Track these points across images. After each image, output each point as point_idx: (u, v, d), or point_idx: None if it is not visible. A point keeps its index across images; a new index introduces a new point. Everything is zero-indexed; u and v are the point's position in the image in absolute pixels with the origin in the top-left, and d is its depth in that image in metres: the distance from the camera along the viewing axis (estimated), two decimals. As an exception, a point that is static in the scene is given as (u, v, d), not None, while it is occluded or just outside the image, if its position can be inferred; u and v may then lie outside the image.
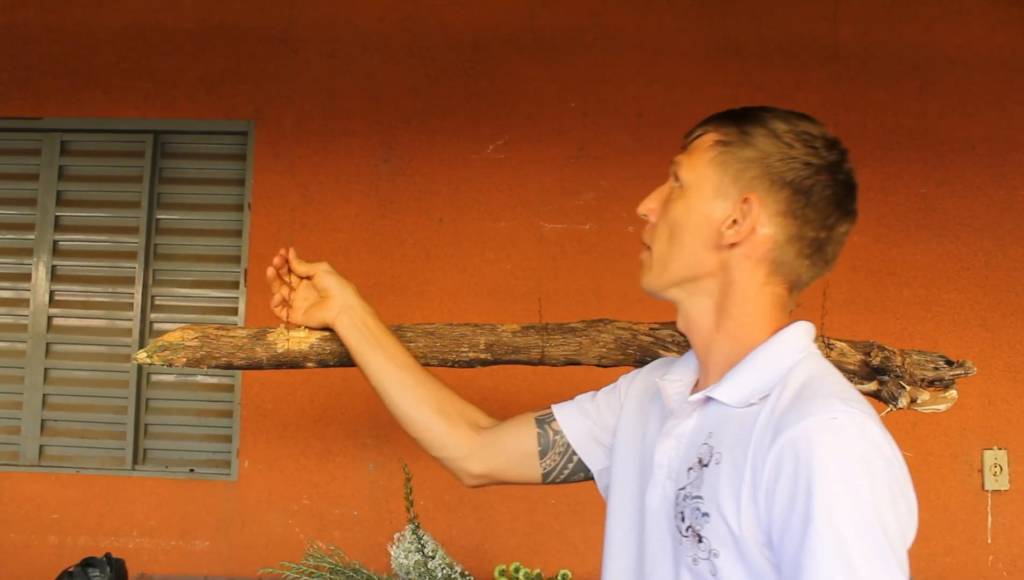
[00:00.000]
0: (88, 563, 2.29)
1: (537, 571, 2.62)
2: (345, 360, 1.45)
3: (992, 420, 2.93)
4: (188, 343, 1.43)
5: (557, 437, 1.35)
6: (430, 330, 1.48)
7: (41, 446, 3.05)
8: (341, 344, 1.44)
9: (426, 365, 1.47)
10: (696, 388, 1.19)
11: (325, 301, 1.43)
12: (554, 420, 1.36)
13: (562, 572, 2.62)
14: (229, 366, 1.43)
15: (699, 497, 1.04)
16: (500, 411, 2.93)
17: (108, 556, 2.31)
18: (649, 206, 1.22)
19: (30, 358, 3.07)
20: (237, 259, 3.07)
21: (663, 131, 2.99)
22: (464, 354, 1.47)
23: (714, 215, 1.11)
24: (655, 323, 1.47)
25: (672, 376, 1.22)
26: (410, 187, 3.03)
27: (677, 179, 1.17)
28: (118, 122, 3.09)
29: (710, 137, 1.14)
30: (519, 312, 2.93)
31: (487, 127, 3.03)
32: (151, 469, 3.03)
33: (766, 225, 1.08)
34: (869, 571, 0.89)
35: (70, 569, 2.28)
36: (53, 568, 2.42)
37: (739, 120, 1.12)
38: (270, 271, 1.43)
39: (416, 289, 2.99)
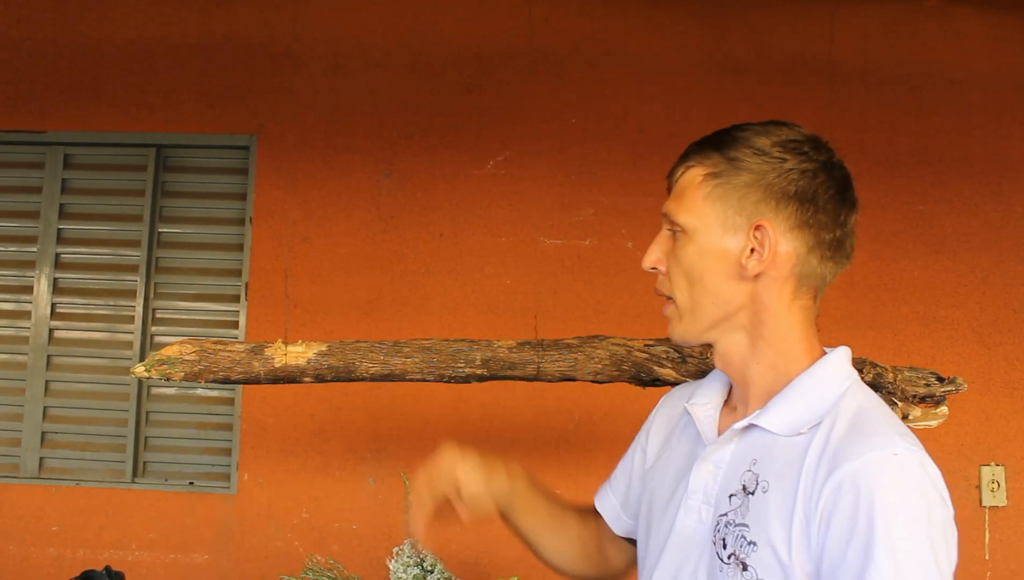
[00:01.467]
0: (87, 576, 2.29)
1: (535, 586, 2.61)
2: (341, 376, 1.46)
3: (989, 436, 2.94)
4: (186, 357, 1.44)
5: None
6: (427, 346, 1.49)
7: (41, 458, 3.06)
8: (338, 359, 1.45)
9: (422, 381, 1.48)
10: (728, 408, 1.18)
11: (486, 496, 1.38)
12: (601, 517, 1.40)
13: (560, 587, 2.61)
14: (227, 380, 1.44)
15: (744, 525, 1.03)
16: (499, 427, 2.94)
17: (108, 569, 2.31)
18: (654, 257, 1.17)
19: (31, 370, 3.08)
20: (238, 273, 3.08)
21: (663, 148, 2.99)
22: (461, 370, 1.48)
23: (730, 249, 1.08)
24: (650, 339, 1.48)
25: (698, 400, 1.21)
26: (411, 202, 3.04)
27: (675, 225, 1.13)
28: (121, 136, 3.11)
29: (696, 173, 1.11)
30: (519, 327, 2.94)
31: (488, 143, 3.05)
32: (151, 482, 3.03)
33: (784, 243, 1.06)
34: None
35: (69, 581, 2.28)
36: (52, 580, 2.43)
37: (721, 147, 1.10)
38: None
39: (416, 304, 3.00)
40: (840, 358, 1.10)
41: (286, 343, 1.45)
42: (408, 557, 2.45)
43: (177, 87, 3.10)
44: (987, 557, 2.91)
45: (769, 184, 1.06)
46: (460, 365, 1.48)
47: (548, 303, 2.98)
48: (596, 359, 1.47)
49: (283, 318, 3.00)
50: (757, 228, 1.06)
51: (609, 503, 1.38)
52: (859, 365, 1.42)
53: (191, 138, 3.11)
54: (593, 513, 1.42)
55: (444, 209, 3.04)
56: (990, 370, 2.96)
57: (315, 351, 1.46)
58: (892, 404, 1.36)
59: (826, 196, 1.07)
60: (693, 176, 1.11)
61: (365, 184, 3.05)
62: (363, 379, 1.46)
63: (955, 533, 0.97)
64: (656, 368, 1.45)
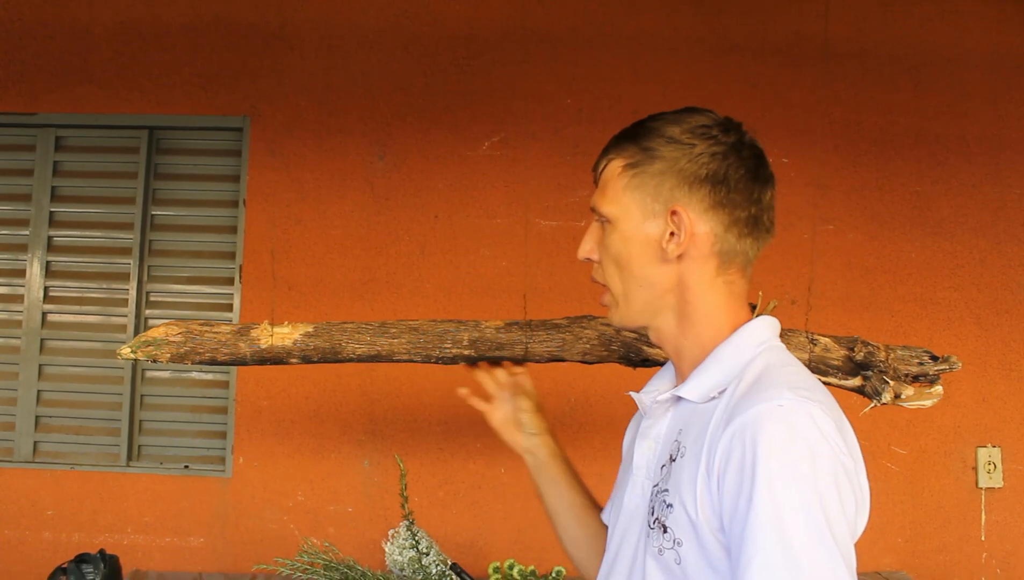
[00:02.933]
0: (82, 559, 2.29)
1: (531, 568, 2.62)
2: (328, 357, 1.45)
3: (986, 418, 2.94)
4: (172, 338, 1.43)
5: None
6: (413, 326, 1.48)
7: (35, 442, 3.05)
8: (325, 340, 1.45)
9: (409, 361, 1.47)
10: None
11: (516, 430, 1.49)
12: None
13: (556, 569, 2.62)
14: (213, 362, 1.43)
15: (666, 490, 1.08)
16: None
17: (102, 552, 2.31)
18: (586, 248, 1.25)
19: (24, 354, 3.07)
20: (232, 255, 3.07)
21: (658, 128, 2.99)
22: (447, 350, 1.47)
23: (651, 235, 1.13)
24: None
25: (648, 387, 1.26)
26: (405, 183, 3.03)
27: (601, 217, 1.20)
28: (113, 118, 3.09)
29: (616, 165, 1.17)
30: (514, 309, 2.93)
31: (482, 124, 3.03)
32: (146, 465, 3.03)
33: (701, 225, 1.10)
34: (808, 557, 0.90)
35: (64, 565, 2.27)
36: (47, 564, 2.42)
37: (636, 138, 1.15)
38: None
39: (411, 285, 3.00)
40: (757, 327, 1.13)
41: (272, 324, 1.44)
42: (403, 540, 2.45)
43: (169, 68, 3.08)
44: (983, 538, 2.91)
45: (681, 169, 1.11)
46: (447, 346, 1.47)
47: (543, 284, 2.97)
48: (584, 339, 1.47)
49: (277, 300, 2.99)
50: (673, 213, 1.11)
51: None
52: (850, 343, 1.42)
53: (184, 120, 3.09)
54: None
55: (438, 190, 3.02)
56: (987, 351, 2.96)
57: (301, 332, 1.45)
58: (883, 383, 1.35)
59: (736, 176, 1.11)
60: (613, 168, 1.17)
61: (359, 165, 3.03)
62: (350, 360, 1.46)
63: (858, 485, 0.99)
64: (645, 348, 1.45)
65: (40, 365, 3.07)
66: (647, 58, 3.04)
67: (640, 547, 1.12)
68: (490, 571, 2.61)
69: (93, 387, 3.07)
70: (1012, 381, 2.95)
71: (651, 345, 1.44)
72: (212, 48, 3.07)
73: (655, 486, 1.11)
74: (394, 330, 1.47)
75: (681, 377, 1.17)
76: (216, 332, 1.44)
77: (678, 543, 1.03)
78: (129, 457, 3.03)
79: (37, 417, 3.06)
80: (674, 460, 1.09)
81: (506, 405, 1.51)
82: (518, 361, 1.51)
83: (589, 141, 3.00)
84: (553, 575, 2.60)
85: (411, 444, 2.96)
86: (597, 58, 3.04)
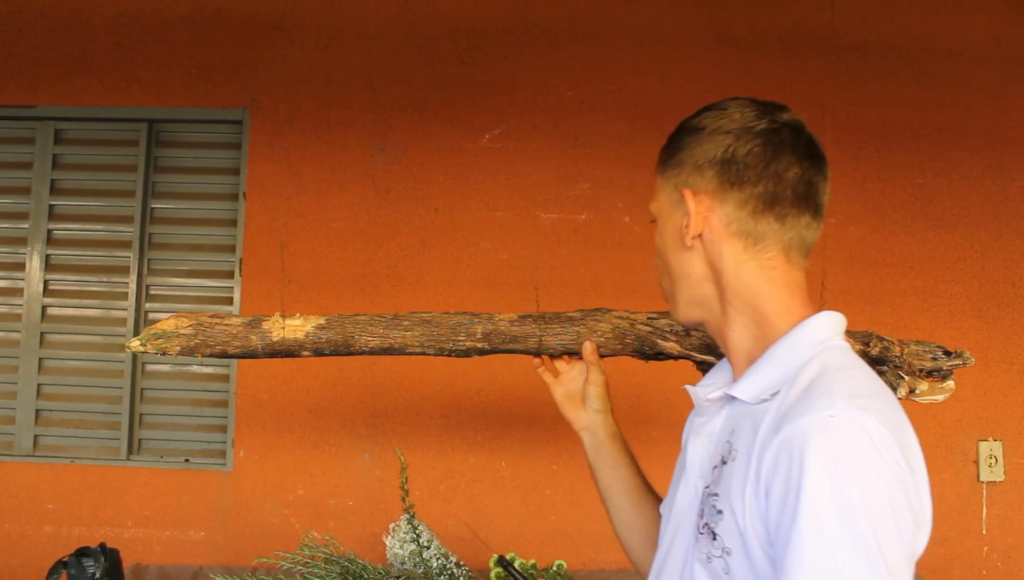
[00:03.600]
0: (83, 553, 2.28)
1: (532, 561, 2.61)
2: (340, 349, 1.44)
3: (988, 411, 2.94)
4: (182, 331, 1.42)
5: None
6: (427, 318, 1.46)
7: (36, 436, 3.04)
8: (337, 333, 1.43)
9: (422, 354, 1.46)
10: None
11: (580, 406, 1.46)
12: None
13: (557, 563, 2.61)
14: (224, 354, 1.41)
15: (716, 495, 1.03)
16: (496, 403, 2.93)
17: (103, 546, 2.30)
18: (655, 259, 1.24)
19: (24, 348, 3.06)
20: (232, 248, 3.06)
21: (660, 121, 2.97)
22: (461, 343, 1.45)
23: (677, 225, 1.14)
24: (653, 313, 1.45)
25: (705, 381, 1.23)
26: (406, 176, 3.02)
27: (653, 220, 1.21)
28: (112, 110, 3.08)
29: (658, 168, 1.19)
30: (515, 302, 2.93)
31: (483, 116, 3.02)
32: (146, 459, 3.02)
33: (712, 206, 1.10)
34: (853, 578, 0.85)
35: (64, 559, 2.27)
36: (48, 558, 2.41)
37: (670, 140, 1.17)
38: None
39: (412, 279, 2.99)
40: (817, 323, 1.07)
41: (284, 317, 1.42)
42: (404, 533, 2.45)
43: (168, 61, 3.06)
44: (984, 532, 2.91)
45: (692, 154, 1.12)
46: (461, 338, 1.45)
47: (545, 278, 2.96)
48: (599, 332, 1.45)
49: (278, 294, 2.98)
50: (682, 197, 1.12)
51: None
52: (865, 338, 1.40)
53: (183, 112, 3.08)
54: None
55: (439, 183, 3.01)
56: (989, 345, 2.95)
57: (313, 325, 1.43)
58: (899, 378, 1.34)
59: (746, 152, 1.08)
60: (657, 172, 1.19)
61: (359, 158, 3.02)
62: (362, 353, 1.44)
63: (916, 502, 0.93)
64: (660, 341, 1.43)
65: (40, 359, 3.06)
66: (648, 50, 3.03)
67: (689, 550, 1.08)
68: (491, 565, 2.61)
69: (93, 381, 3.06)
70: (1014, 374, 2.95)
71: (666, 338, 1.42)
72: (212, 40, 3.06)
73: (706, 487, 1.08)
74: (407, 322, 1.45)
75: (735, 373, 1.14)
76: (227, 325, 1.42)
77: (727, 552, 0.99)
78: (129, 451, 3.02)
79: (37, 411, 3.05)
80: (725, 463, 1.04)
81: (572, 382, 1.48)
82: (532, 354, 1.49)
83: (590, 133, 3.00)
84: (554, 568, 2.59)
85: (412, 438, 2.96)
86: (598, 50, 3.03)
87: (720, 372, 1.22)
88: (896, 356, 1.35)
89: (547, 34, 3.03)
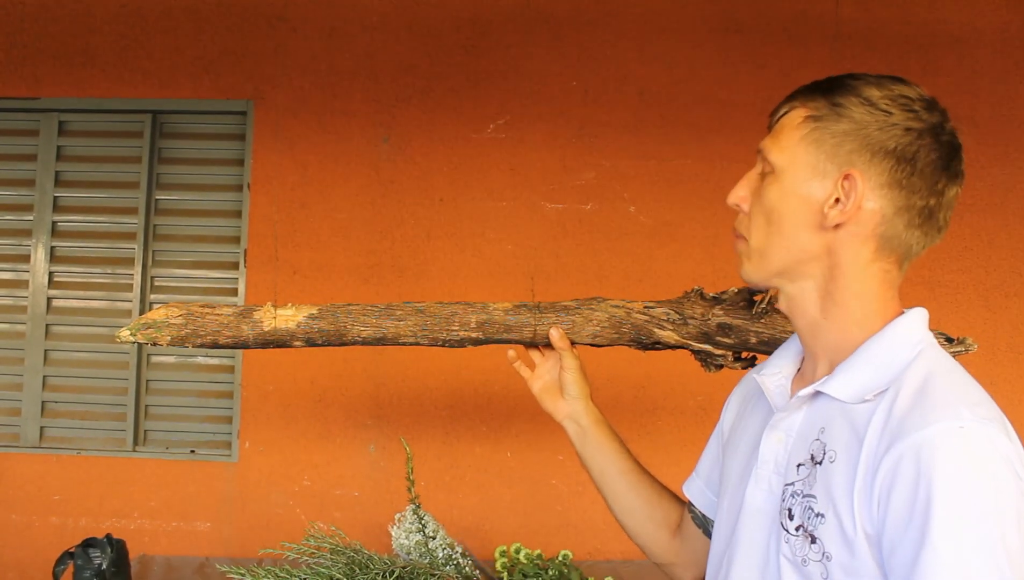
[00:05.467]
0: (89, 544, 2.29)
1: (537, 552, 2.61)
2: (333, 340, 1.43)
3: (994, 401, 2.92)
4: (172, 321, 1.41)
5: (707, 518, 1.33)
6: (420, 308, 1.45)
7: (42, 428, 3.05)
8: (329, 323, 1.42)
9: (416, 345, 1.45)
10: (800, 376, 1.14)
11: (558, 396, 1.45)
12: (694, 506, 1.35)
13: (562, 553, 2.61)
14: (215, 345, 1.41)
15: (812, 496, 0.99)
16: (500, 393, 2.93)
17: (109, 537, 2.31)
18: (739, 194, 1.12)
19: (30, 340, 3.07)
20: (237, 239, 3.06)
21: (664, 110, 2.97)
22: (455, 333, 1.44)
23: (814, 196, 1.03)
24: (650, 302, 1.44)
25: (769, 370, 1.17)
26: (410, 166, 3.01)
27: (767, 163, 1.08)
28: (116, 102, 3.08)
29: (798, 114, 1.06)
30: (520, 292, 2.92)
31: (487, 106, 3.02)
32: (152, 450, 3.03)
33: (871, 199, 1.01)
34: None
35: (71, 550, 2.27)
36: (54, 549, 2.42)
37: (828, 92, 1.05)
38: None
39: (416, 269, 2.98)
40: (914, 320, 1.04)
41: (275, 306, 1.41)
42: (410, 523, 2.45)
43: (172, 52, 3.06)
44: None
45: (868, 135, 1.01)
46: (455, 328, 1.44)
47: (549, 268, 2.96)
48: (594, 321, 1.43)
49: (281, 284, 2.98)
50: (846, 177, 1.01)
51: (696, 486, 1.35)
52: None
53: (187, 104, 3.08)
54: (680, 502, 1.41)
55: (443, 173, 3.01)
56: (995, 334, 2.94)
57: (305, 314, 1.42)
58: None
59: (927, 160, 1.01)
60: (794, 116, 1.07)
61: (363, 148, 3.02)
62: (355, 343, 1.43)
63: None
64: (656, 330, 1.42)
65: (45, 350, 3.07)
66: (653, 39, 3.01)
67: (772, 549, 1.04)
68: (496, 555, 2.61)
69: (98, 372, 3.07)
70: (1020, 364, 2.93)
71: (662, 327, 1.41)
72: (215, 31, 3.05)
73: (789, 484, 1.03)
74: (400, 312, 1.44)
75: (815, 364, 1.10)
76: (218, 314, 1.41)
77: (827, 557, 0.95)
78: (135, 442, 3.03)
79: (43, 402, 3.06)
80: (819, 463, 1.00)
81: (549, 373, 1.46)
82: (527, 344, 1.48)
83: (594, 123, 2.99)
84: (560, 559, 2.59)
85: (417, 428, 2.96)
86: (602, 39, 3.02)
87: (785, 357, 1.18)
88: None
89: (551, 23, 3.02)
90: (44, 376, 3.07)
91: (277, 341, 1.41)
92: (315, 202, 3.01)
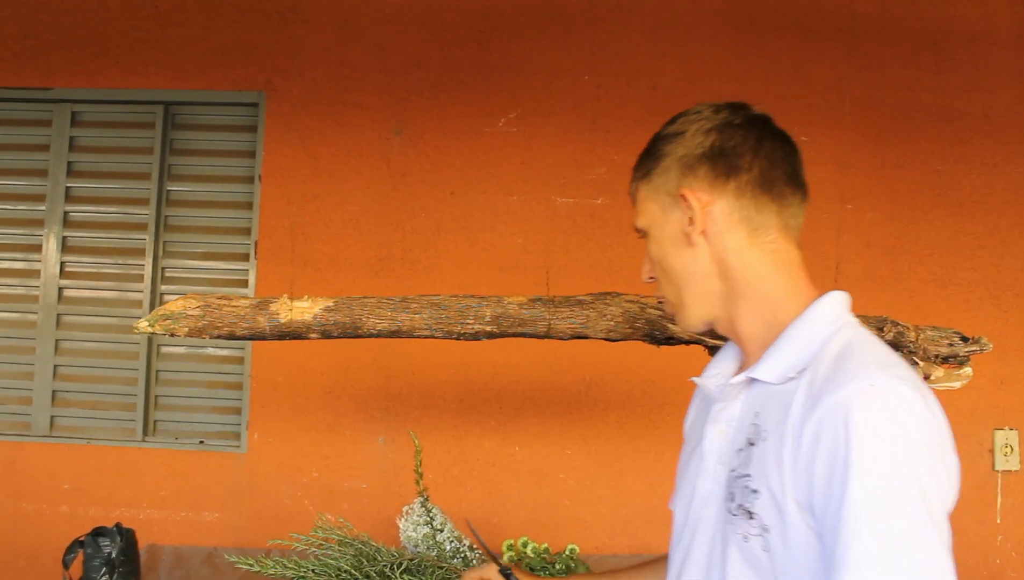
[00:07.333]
0: (99, 533, 2.30)
1: (545, 545, 2.62)
2: (348, 332, 1.43)
3: (1004, 400, 2.91)
4: (190, 312, 1.42)
5: None
6: (435, 301, 1.45)
7: (52, 417, 3.06)
8: (345, 315, 1.42)
9: (431, 337, 1.46)
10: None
11: None
12: None
13: (570, 547, 2.62)
14: (232, 336, 1.41)
15: (748, 475, 1.05)
16: (510, 387, 2.93)
17: (118, 526, 2.32)
18: (645, 269, 1.26)
19: (41, 329, 3.08)
20: (248, 231, 3.07)
21: (676, 104, 2.94)
22: (470, 326, 1.44)
23: (674, 229, 1.16)
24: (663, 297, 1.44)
25: (709, 372, 1.25)
26: (421, 159, 3.01)
27: (640, 232, 1.22)
28: (129, 93, 3.08)
29: (638, 184, 1.21)
30: (531, 286, 2.92)
31: (499, 100, 3.01)
32: (161, 440, 3.04)
33: (713, 200, 1.12)
34: (907, 539, 0.89)
35: (81, 539, 2.28)
36: (64, 537, 2.43)
37: (645, 153, 1.21)
38: None
39: (427, 262, 2.98)
40: (831, 302, 1.11)
41: (292, 298, 1.42)
42: (418, 516, 2.45)
43: (184, 43, 3.06)
44: (999, 521, 2.90)
45: (679, 157, 1.15)
46: (469, 321, 1.44)
47: (560, 262, 2.95)
48: (609, 316, 1.44)
49: (293, 276, 2.98)
50: (682, 197, 1.13)
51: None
52: (880, 323, 1.39)
53: (199, 95, 3.08)
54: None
55: (455, 167, 3.01)
56: (1006, 333, 2.93)
57: (321, 307, 1.43)
58: (913, 364, 1.33)
59: (732, 143, 1.13)
60: (637, 188, 1.22)
61: (375, 141, 3.02)
62: (371, 335, 1.44)
63: (948, 459, 0.97)
64: (670, 325, 1.42)
65: (56, 340, 3.08)
66: (665, 33, 3.00)
67: (717, 535, 1.10)
68: (504, 548, 2.61)
69: (109, 362, 3.08)
70: (1031, 363, 2.92)
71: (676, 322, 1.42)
72: (228, 22, 3.05)
73: (732, 471, 1.09)
74: (415, 305, 1.45)
75: (749, 358, 1.16)
76: (235, 306, 1.42)
77: (765, 530, 1.01)
78: (145, 432, 3.04)
79: (54, 392, 3.07)
80: (754, 444, 1.07)
81: None
82: (541, 337, 1.49)
83: (607, 117, 2.98)
84: (567, 553, 2.60)
85: (426, 421, 2.96)
86: (615, 33, 3.01)
87: (723, 362, 1.24)
88: (911, 341, 1.34)
89: (564, 17, 3.01)
90: (55, 366, 3.08)
91: (293, 333, 1.42)
92: (326, 194, 3.01)
